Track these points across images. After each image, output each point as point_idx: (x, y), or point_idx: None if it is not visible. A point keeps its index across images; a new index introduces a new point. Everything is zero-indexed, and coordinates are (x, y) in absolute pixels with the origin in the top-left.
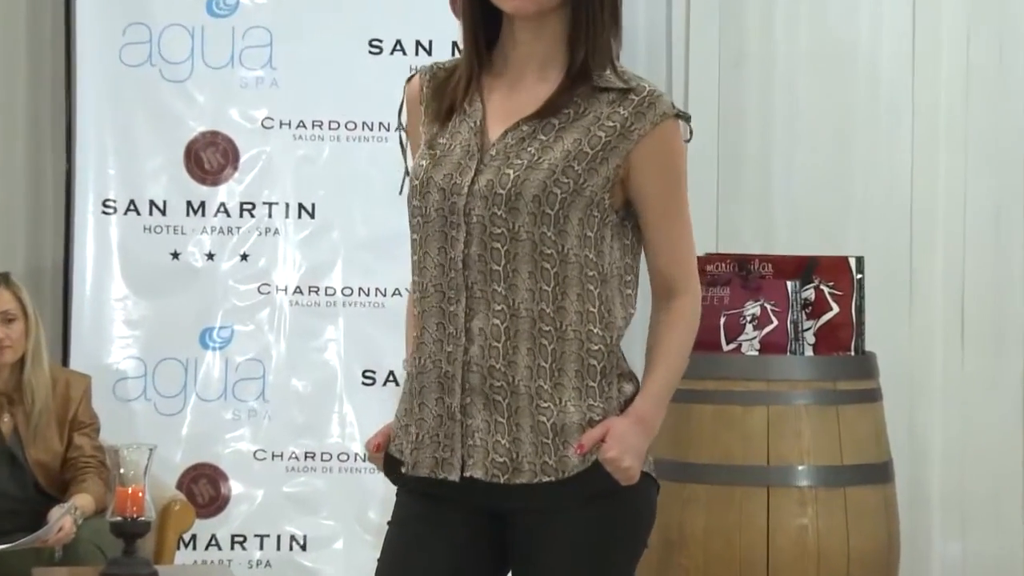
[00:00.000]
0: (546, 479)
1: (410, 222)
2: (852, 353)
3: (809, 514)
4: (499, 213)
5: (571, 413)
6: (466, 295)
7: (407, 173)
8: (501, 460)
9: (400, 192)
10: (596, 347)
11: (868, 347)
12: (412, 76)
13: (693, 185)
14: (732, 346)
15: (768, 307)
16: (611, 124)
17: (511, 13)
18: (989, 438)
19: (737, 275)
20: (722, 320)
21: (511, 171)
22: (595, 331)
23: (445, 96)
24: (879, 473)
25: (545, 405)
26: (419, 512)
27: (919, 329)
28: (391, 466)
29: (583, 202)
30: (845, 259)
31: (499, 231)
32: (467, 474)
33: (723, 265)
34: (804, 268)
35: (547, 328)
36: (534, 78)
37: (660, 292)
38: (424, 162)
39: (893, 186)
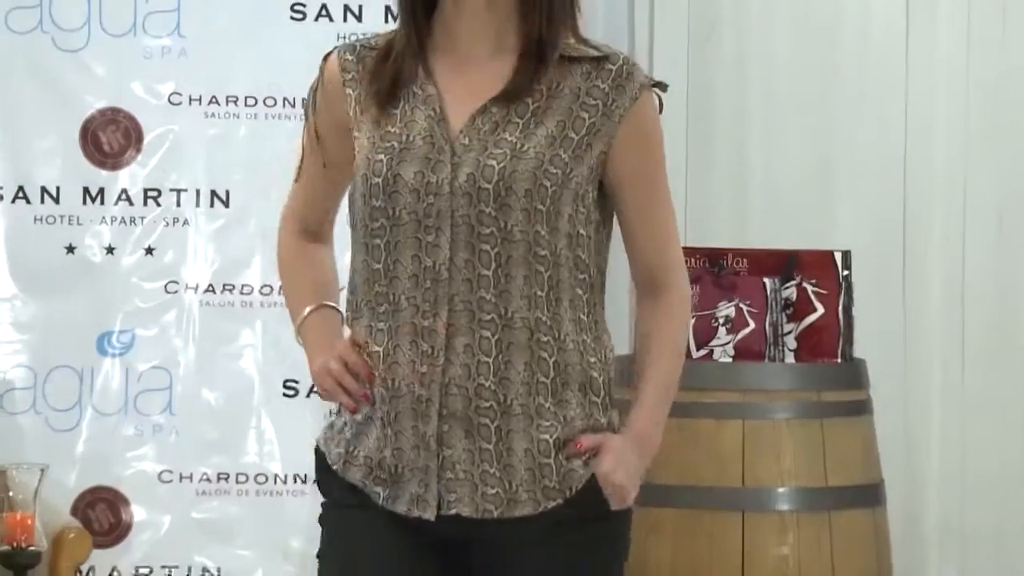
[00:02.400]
0: (551, 504)
1: (367, 225)
2: (839, 360)
3: (790, 542)
4: (487, 211)
5: (577, 427)
6: (447, 308)
7: (302, 161)
8: (493, 492)
9: (296, 179)
10: (593, 359)
11: (857, 353)
12: (329, 54)
13: None
14: (703, 352)
15: (743, 308)
16: (593, 102)
17: None
18: (993, 460)
19: (708, 272)
20: (691, 323)
21: (494, 162)
22: (589, 342)
23: (383, 77)
24: (869, 496)
25: (547, 424)
26: (383, 544)
27: (914, 333)
28: (325, 475)
29: (570, 196)
30: (830, 254)
31: (488, 231)
32: (451, 511)
33: (692, 261)
34: (784, 264)
35: (545, 339)
36: (487, 53)
37: (646, 290)
38: (383, 156)
39: (885, 172)
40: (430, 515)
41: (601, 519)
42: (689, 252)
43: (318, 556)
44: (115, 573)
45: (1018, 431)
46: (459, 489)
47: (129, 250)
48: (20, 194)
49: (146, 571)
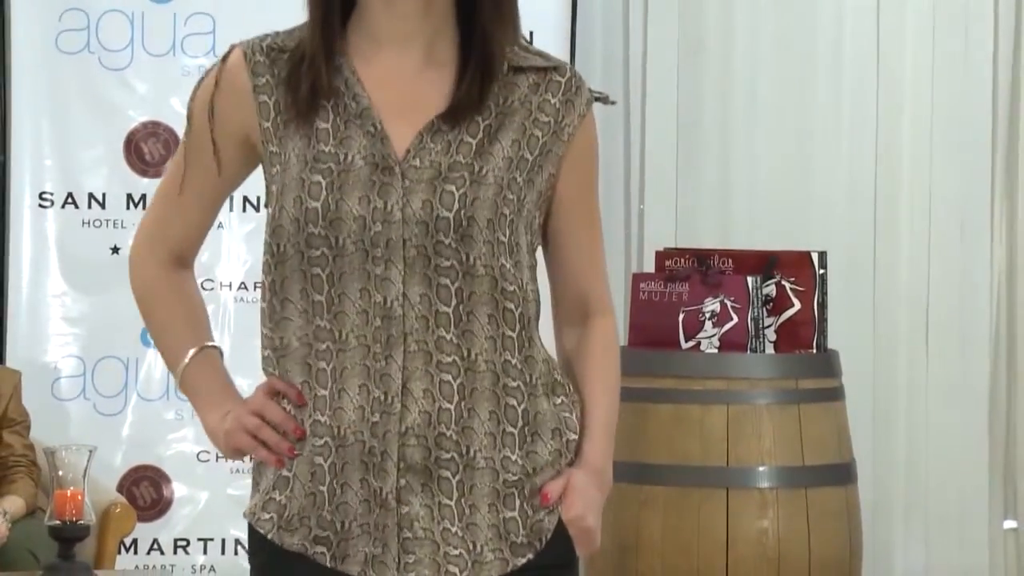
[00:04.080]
0: (521, 561)
1: (303, 253)
2: (814, 351)
3: (770, 516)
4: (446, 242)
5: (547, 475)
6: (402, 349)
7: (182, 177)
8: (456, 552)
9: (179, 193)
10: (560, 400)
11: (830, 345)
12: (228, 54)
13: (651, 176)
14: (691, 344)
15: (728, 303)
16: (545, 119)
17: None
18: (954, 445)
19: (696, 271)
20: (681, 317)
21: (453, 188)
22: (558, 379)
23: (299, 84)
24: (841, 474)
25: (515, 479)
26: None
27: (883, 326)
28: (259, 546)
29: (523, 224)
30: (807, 254)
31: (447, 264)
32: (410, 574)
33: (682, 260)
34: (765, 263)
35: (514, 384)
36: (418, 62)
37: (573, 315)
38: (319, 178)
39: (856, 179)
40: None
41: (564, 567)
42: (679, 253)
43: None
44: (157, 544)
45: (978, 419)
46: (418, 550)
47: None
48: (69, 200)
49: (184, 543)
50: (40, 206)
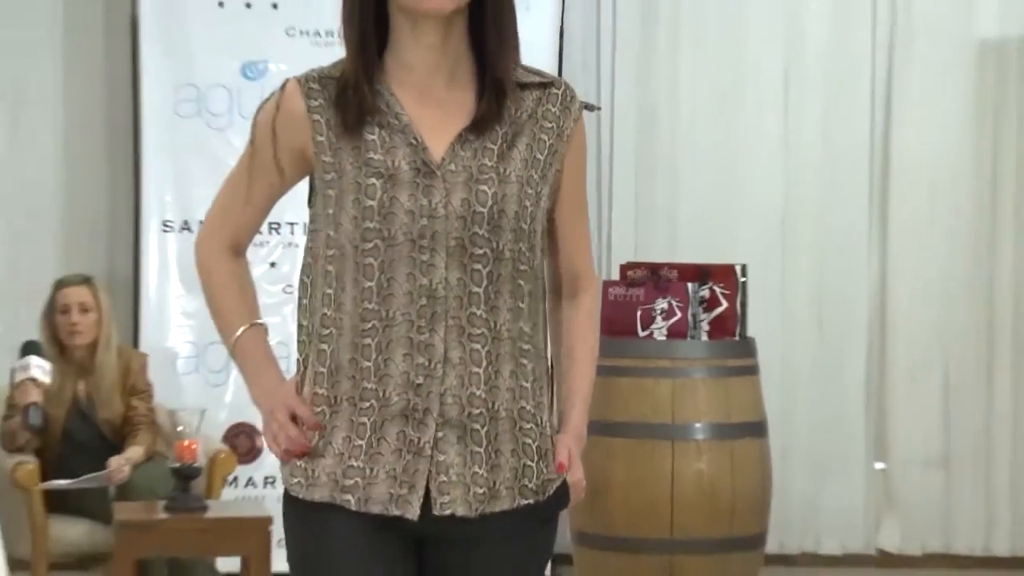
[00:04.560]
0: (524, 502)
1: (357, 246)
2: (737, 338)
3: (704, 461)
4: (481, 233)
5: (549, 433)
6: (444, 324)
7: (247, 180)
8: (481, 491)
9: (245, 201)
10: (552, 365)
11: (749, 333)
12: (286, 84)
13: (616, 208)
14: (646, 333)
15: (674, 303)
16: (549, 125)
17: (427, 12)
18: (839, 408)
19: (650, 279)
20: (638, 313)
21: (486, 187)
22: (546, 348)
23: (349, 107)
24: (757, 429)
25: (528, 427)
26: (367, 544)
27: (788, 320)
28: (292, 506)
29: (540, 213)
30: (732, 267)
31: (480, 252)
32: (446, 512)
33: (639, 271)
34: (701, 273)
35: (527, 347)
36: (443, 84)
37: (566, 288)
38: (374, 180)
39: (769, 209)
40: (412, 515)
41: (551, 521)
42: (637, 265)
43: (292, 561)
44: (251, 481)
45: (857, 389)
46: (452, 491)
47: (258, 264)
48: (185, 226)
49: (272, 480)
50: (163, 231)
